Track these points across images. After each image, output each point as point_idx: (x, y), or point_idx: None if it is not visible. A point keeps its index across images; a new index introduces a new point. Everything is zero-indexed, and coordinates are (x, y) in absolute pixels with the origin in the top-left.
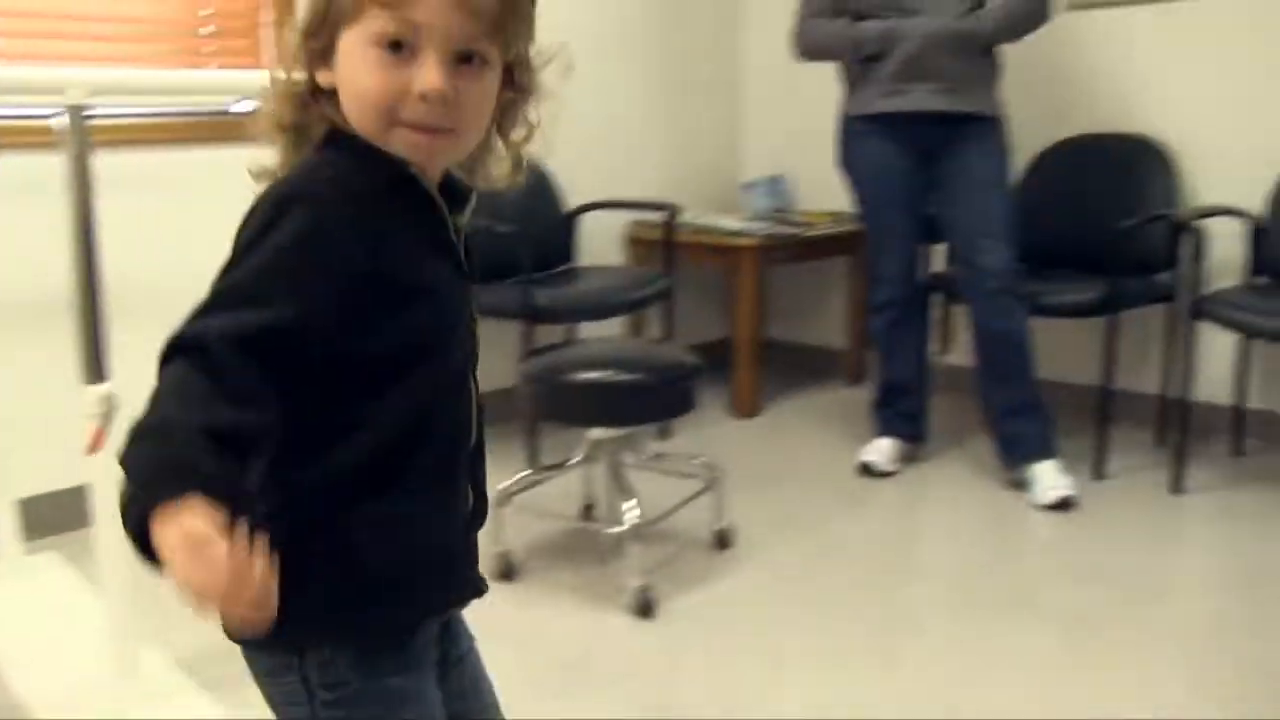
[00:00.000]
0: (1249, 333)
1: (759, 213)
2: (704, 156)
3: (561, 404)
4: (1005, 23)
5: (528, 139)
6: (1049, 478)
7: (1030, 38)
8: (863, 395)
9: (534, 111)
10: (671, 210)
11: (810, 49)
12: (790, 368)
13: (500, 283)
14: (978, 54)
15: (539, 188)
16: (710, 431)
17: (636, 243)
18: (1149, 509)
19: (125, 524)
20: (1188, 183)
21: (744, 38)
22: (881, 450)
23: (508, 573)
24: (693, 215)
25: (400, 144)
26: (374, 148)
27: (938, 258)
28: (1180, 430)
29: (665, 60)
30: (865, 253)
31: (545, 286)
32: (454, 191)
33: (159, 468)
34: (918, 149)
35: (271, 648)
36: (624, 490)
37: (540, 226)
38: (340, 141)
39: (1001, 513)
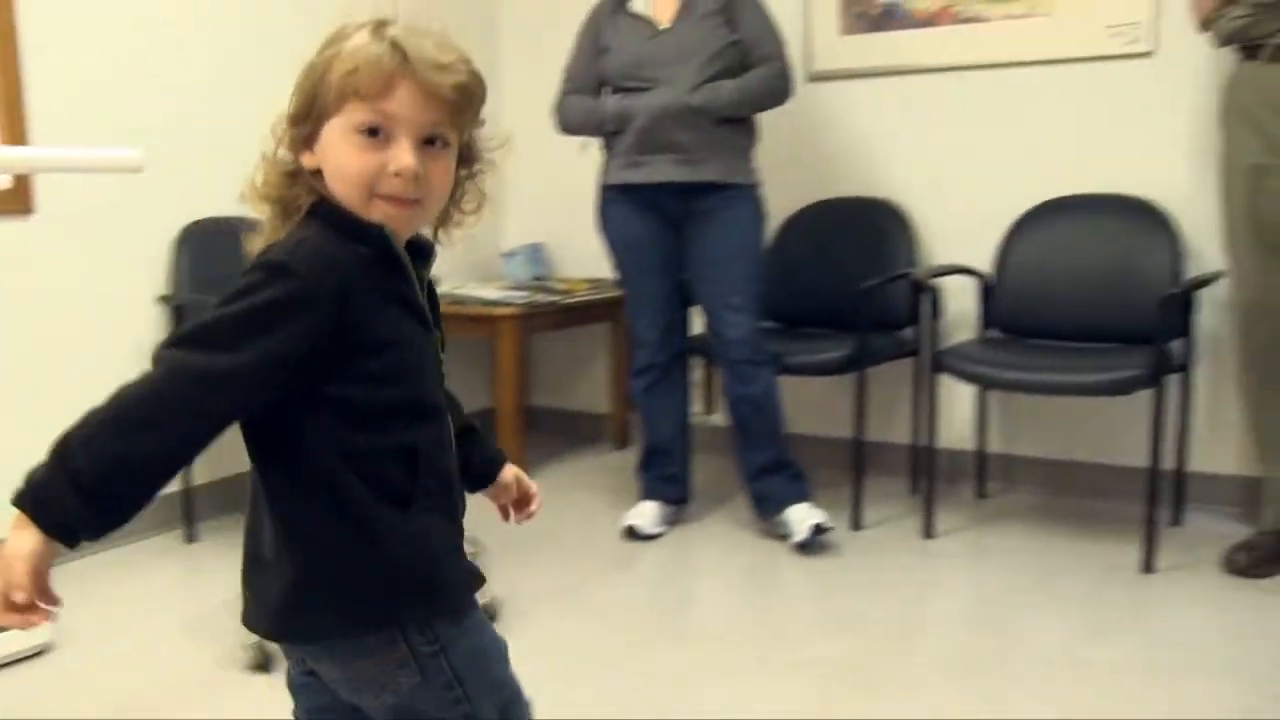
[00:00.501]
0: (983, 384)
1: (519, 281)
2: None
3: None
4: (740, 96)
5: (480, 206)
6: (801, 514)
7: (781, 107)
8: (629, 459)
9: (483, 184)
10: None
11: (566, 126)
12: (556, 434)
13: None
14: (717, 125)
15: None
16: (473, 502)
17: None
18: (903, 555)
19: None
20: (925, 244)
21: (502, 106)
22: (645, 514)
23: (263, 665)
24: (452, 285)
25: (378, 214)
26: (354, 218)
27: (698, 321)
28: (928, 478)
29: None
30: (625, 318)
31: None
32: (419, 249)
33: (40, 484)
34: (665, 217)
35: (378, 630)
36: None
37: None
38: (323, 213)
39: (764, 568)
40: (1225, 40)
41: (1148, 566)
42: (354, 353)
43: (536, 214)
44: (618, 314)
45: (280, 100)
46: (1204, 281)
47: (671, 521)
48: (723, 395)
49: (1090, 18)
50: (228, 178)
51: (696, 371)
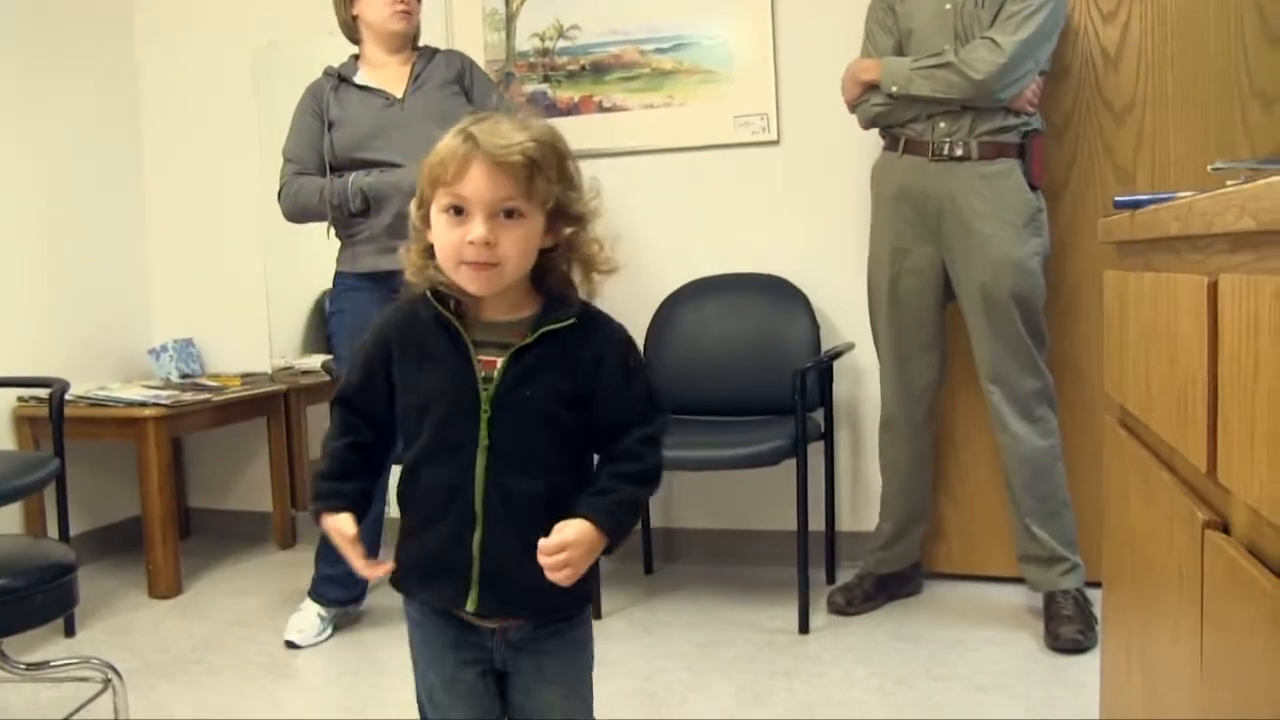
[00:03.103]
0: None
1: (168, 378)
2: (105, 322)
3: None
4: None
5: (601, 249)
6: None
7: None
8: (295, 557)
9: (595, 231)
10: (58, 385)
11: (297, 209)
12: (218, 537)
13: None
14: None
15: None
16: (125, 619)
17: (28, 422)
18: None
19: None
20: None
21: (147, 197)
22: (307, 621)
23: None
24: (90, 387)
25: (463, 278)
26: (431, 294)
27: None
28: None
29: (60, 225)
30: (284, 414)
31: None
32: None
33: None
34: None
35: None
36: None
37: None
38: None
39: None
40: (868, 124)
41: (804, 627)
42: (393, 380)
43: (184, 307)
44: (274, 408)
45: None
46: (839, 353)
47: (341, 624)
48: None
49: (720, 108)
50: None
51: None
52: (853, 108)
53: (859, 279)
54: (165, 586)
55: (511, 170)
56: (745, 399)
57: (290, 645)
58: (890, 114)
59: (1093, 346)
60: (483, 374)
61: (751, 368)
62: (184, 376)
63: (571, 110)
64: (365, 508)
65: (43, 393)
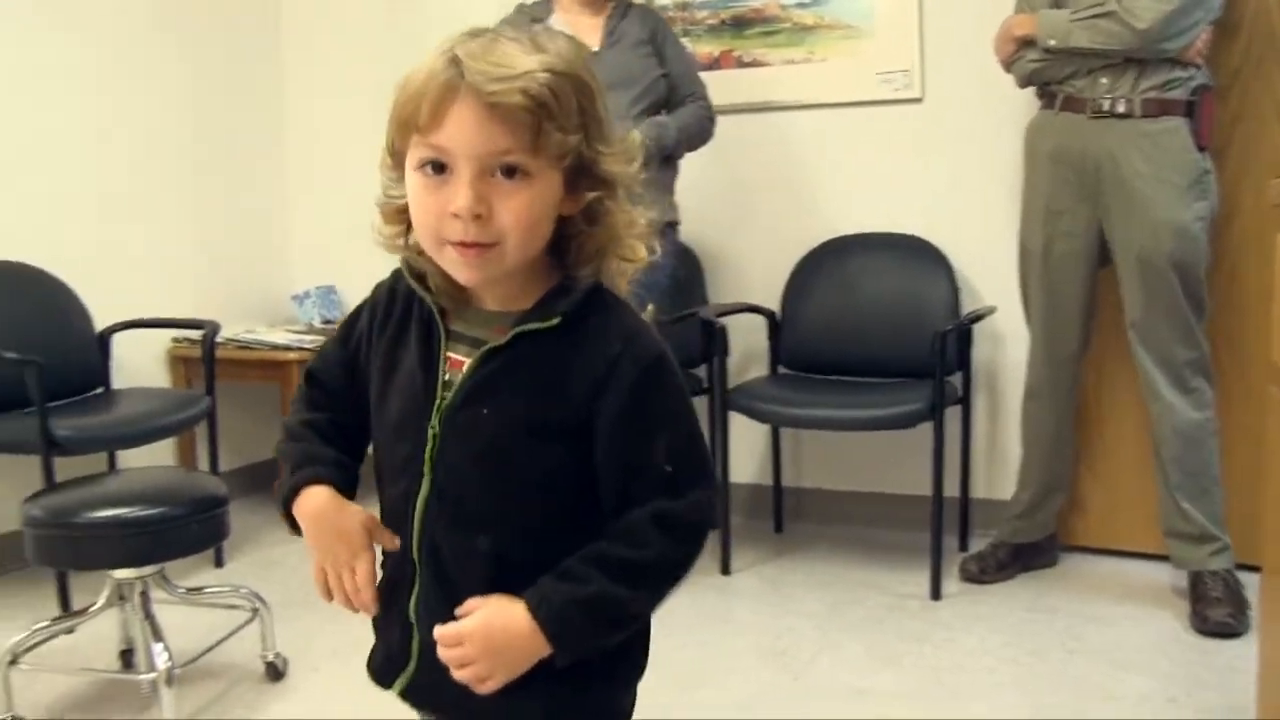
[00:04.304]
0: (772, 422)
1: (310, 324)
2: (252, 269)
3: (67, 547)
4: (680, 136)
5: (633, 226)
6: None
7: None
8: None
9: (627, 201)
10: (210, 327)
11: None
12: None
13: (10, 414)
14: (660, 162)
15: (61, 307)
16: (270, 553)
17: (181, 362)
18: (701, 592)
19: None
20: (715, 282)
21: (288, 145)
22: None
23: None
24: (238, 330)
25: (448, 261)
26: (407, 265)
27: None
28: (724, 514)
29: (207, 172)
30: None
31: (67, 415)
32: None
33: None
34: None
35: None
36: (155, 632)
37: (63, 349)
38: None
39: None
40: (1024, 82)
41: (936, 593)
42: (362, 363)
43: (326, 255)
44: None
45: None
46: (979, 316)
47: None
48: None
49: (862, 64)
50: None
51: None
52: (1007, 66)
53: (1002, 241)
54: None
55: (511, 114)
56: (882, 361)
57: None
58: (1048, 70)
59: (1253, 316)
60: (446, 376)
61: (889, 329)
62: (325, 322)
63: (711, 65)
64: (352, 487)
65: (195, 334)
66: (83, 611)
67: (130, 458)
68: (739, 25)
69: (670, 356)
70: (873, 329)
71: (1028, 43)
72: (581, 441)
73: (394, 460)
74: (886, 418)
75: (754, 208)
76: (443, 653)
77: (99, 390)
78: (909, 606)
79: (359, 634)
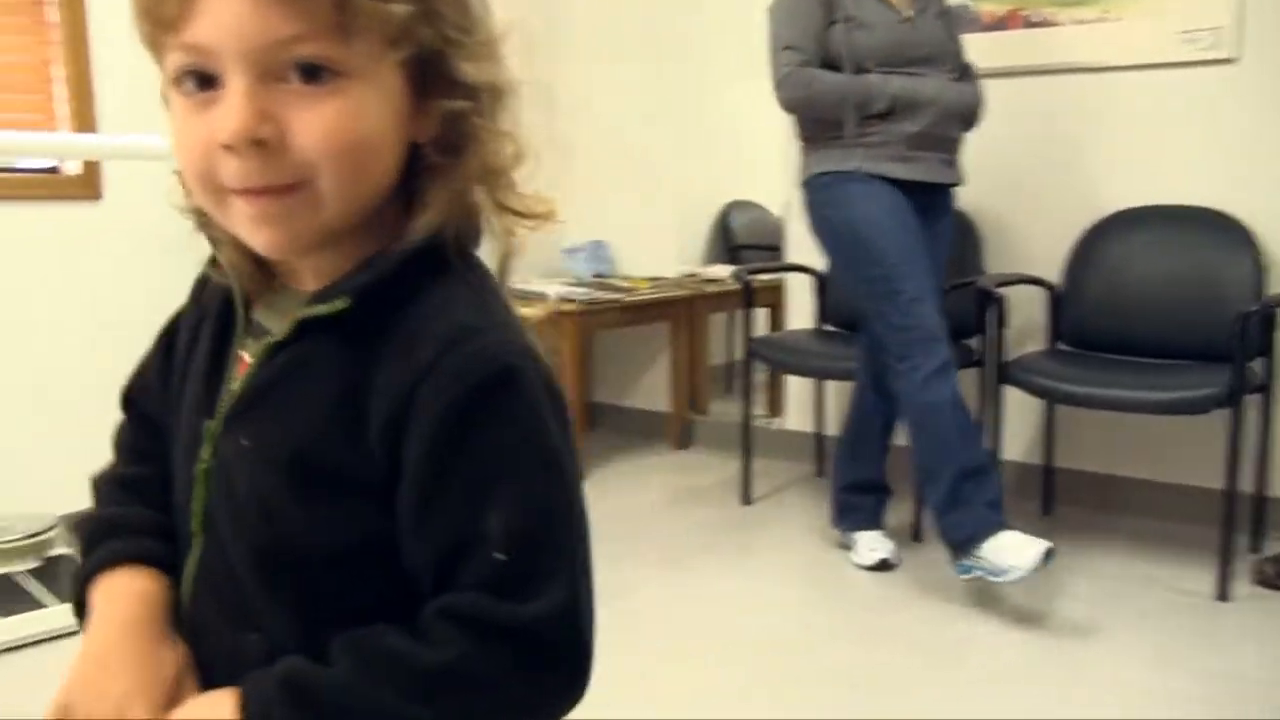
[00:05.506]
0: (1052, 398)
1: (581, 278)
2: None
3: None
4: (980, 101)
5: (519, 156)
6: (871, 541)
7: None
8: (687, 460)
9: (506, 115)
10: None
11: (804, 100)
12: (615, 431)
13: None
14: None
15: None
16: None
17: None
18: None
19: None
20: (992, 251)
21: (566, 106)
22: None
23: None
24: (514, 281)
25: (235, 218)
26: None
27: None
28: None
29: None
30: (688, 319)
31: None
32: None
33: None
34: (912, 209)
35: None
36: None
37: None
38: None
39: (823, 575)
40: None
41: (1223, 595)
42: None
43: (598, 211)
44: (679, 313)
45: None
46: None
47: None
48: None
49: (1163, 23)
50: None
51: (761, 375)
52: None
53: None
54: None
55: None
56: (1172, 341)
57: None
58: None
59: None
60: (234, 382)
61: (1182, 308)
62: (596, 276)
63: (997, 25)
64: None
65: None
66: None
67: None
68: None
69: (537, 374)
70: (1164, 307)
71: None
72: (389, 498)
73: (179, 488)
74: (1181, 401)
75: (1037, 176)
76: None
77: None
78: (1190, 605)
79: (617, 579)
